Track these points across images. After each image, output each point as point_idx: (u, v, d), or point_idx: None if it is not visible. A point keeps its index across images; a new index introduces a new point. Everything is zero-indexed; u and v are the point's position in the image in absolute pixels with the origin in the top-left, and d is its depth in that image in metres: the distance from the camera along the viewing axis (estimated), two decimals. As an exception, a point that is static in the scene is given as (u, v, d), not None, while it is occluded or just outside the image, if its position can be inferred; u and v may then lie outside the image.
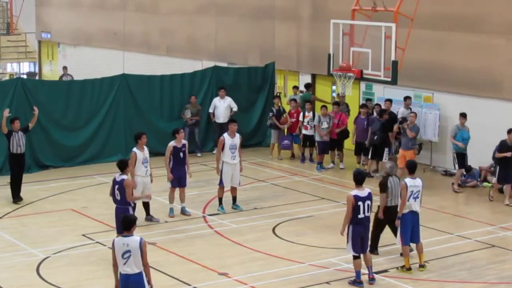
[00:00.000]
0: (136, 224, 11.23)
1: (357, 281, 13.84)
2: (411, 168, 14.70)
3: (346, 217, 13.75)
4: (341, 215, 17.60)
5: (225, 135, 18.32)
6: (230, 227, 17.28)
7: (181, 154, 17.66)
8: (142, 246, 10.95)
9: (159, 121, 24.30)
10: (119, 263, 11.08)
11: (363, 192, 13.71)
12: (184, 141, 17.88)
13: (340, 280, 14.12)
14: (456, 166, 20.45)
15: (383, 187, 14.90)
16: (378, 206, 15.08)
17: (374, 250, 15.17)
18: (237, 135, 18.39)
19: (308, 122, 23.29)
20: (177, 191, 17.89)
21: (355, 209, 13.61)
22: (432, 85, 22.61)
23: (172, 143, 17.70)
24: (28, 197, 19.36)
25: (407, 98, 22.47)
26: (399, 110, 22.20)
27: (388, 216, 14.93)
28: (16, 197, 19.07)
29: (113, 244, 11.14)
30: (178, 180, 17.72)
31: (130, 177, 15.55)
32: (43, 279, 14.12)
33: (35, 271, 14.47)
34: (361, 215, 13.64)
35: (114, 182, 14.97)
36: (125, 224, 11.11)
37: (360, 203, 13.60)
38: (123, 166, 15.11)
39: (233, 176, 18.27)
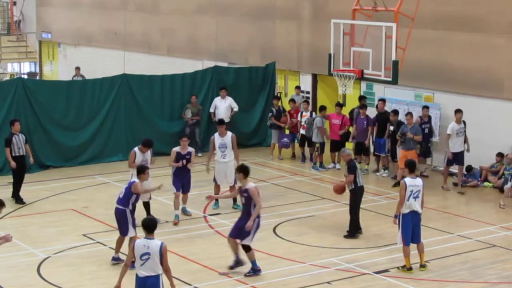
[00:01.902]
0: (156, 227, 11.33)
1: (256, 269, 14.20)
2: (411, 167, 14.71)
3: (257, 210, 14.14)
4: (342, 215, 17.69)
5: (216, 134, 18.47)
6: (230, 227, 17.22)
7: (184, 162, 17.44)
8: (162, 251, 10.99)
9: (160, 121, 24.30)
10: (136, 264, 11.12)
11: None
12: (190, 149, 17.61)
13: (341, 280, 14.11)
14: None
15: (353, 168, 16.26)
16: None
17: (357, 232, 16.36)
18: (229, 134, 18.42)
19: (305, 121, 23.29)
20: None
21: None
22: (433, 84, 22.60)
23: (176, 149, 17.57)
24: (28, 197, 19.36)
25: (458, 112, 20.47)
26: (449, 125, 20.41)
27: (360, 195, 16.50)
28: (16, 199, 19.05)
29: (133, 244, 11.21)
30: (182, 186, 17.63)
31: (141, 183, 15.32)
32: (43, 279, 14.13)
33: (36, 271, 14.48)
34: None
35: (128, 182, 14.96)
36: (150, 227, 11.17)
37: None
38: (140, 170, 14.96)
39: (227, 174, 18.32)
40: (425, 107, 21.88)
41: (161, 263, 10.99)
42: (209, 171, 18.63)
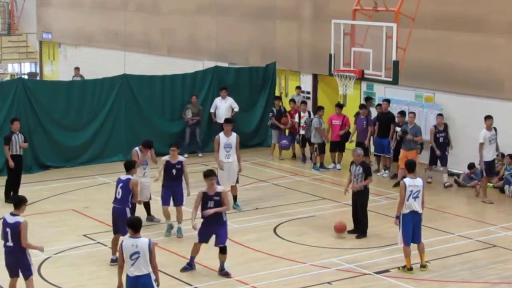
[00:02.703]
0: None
1: (190, 263, 14.44)
2: (410, 167, 14.69)
3: (223, 209, 14.28)
4: (342, 215, 17.68)
5: (221, 134, 18.38)
6: (231, 227, 17.19)
7: (174, 171, 16.49)
8: (151, 248, 11.06)
9: (160, 121, 24.30)
10: (126, 264, 11.11)
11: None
12: (181, 158, 16.72)
13: (341, 280, 14.11)
14: None
15: (370, 169, 16.66)
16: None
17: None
18: (234, 134, 18.37)
19: (305, 122, 23.29)
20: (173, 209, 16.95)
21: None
22: (433, 85, 22.61)
23: (165, 158, 16.70)
24: (29, 197, 19.15)
25: (488, 118, 19.44)
26: (481, 133, 19.32)
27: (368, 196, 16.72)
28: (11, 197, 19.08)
29: (121, 246, 11.19)
30: (172, 197, 16.68)
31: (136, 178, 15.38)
32: (44, 279, 14.14)
33: (37, 271, 14.42)
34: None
35: (119, 181, 14.94)
36: (135, 226, 11.17)
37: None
38: (129, 166, 15.10)
39: (229, 175, 18.28)
40: (440, 115, 21.08)
41: (150, 261, 11.05)
42: (223, 168, 18.39)
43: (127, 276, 11.17)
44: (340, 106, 23.17)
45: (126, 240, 11.23)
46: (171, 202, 16.66)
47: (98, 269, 14.65)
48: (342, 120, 22.72)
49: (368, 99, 23.31)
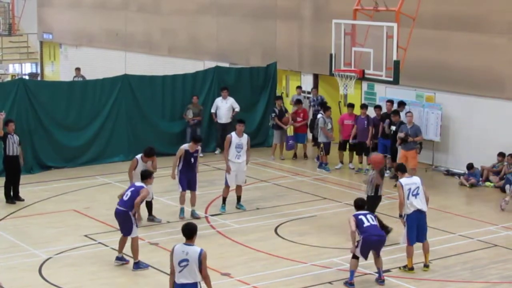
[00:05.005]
0: (197, 233, 10.91)
1: (349, 282, 13.86)
2: (402, 169, 14.82)
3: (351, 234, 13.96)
4: (343, 215, 17.67)
5: (233, 134, 18.36)
6: (232, 227, 17.29)
7: (192, 160, 17.41)
8: (201, 258, 10.63)
9: (161, 122, 24.30)
10: (175, 270, 10.77)
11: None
12: (198, 148, 17.68)
13: (342, 280, 14.11)
14: None
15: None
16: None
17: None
18: (245, 135, 18.38)
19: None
20: (188, 193, 17.61)
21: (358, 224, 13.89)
22: (434, 84, 22.61)
23: (185, 146, 17.50)
24: (30, 198, 19.37)
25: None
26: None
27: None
28: (13, 198, 19.06)
29: (172, 250, 10.85)
30: (188, 183, 17.48)
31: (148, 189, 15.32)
32: (45, 279, 14.13)
33: (37, 271, 14.47)
34: (366, 224, 13.82)
35: (132, 185, 14.96)
36: (187, 232, 10.81)
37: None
38: (145, 175, 15.33)
39: (238, 175, 18.26)
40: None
41: (200, 271, 10.66)
42: (229, 173, 18.34)
43: (174, 282, 10.83)
44: (351, 106, 23.05)
45: (178, 245, 10.84)
46: None
47: (99, 270, 14.64)
48: (354, 119, 22.64)
49: (377, 106, 22.81)
